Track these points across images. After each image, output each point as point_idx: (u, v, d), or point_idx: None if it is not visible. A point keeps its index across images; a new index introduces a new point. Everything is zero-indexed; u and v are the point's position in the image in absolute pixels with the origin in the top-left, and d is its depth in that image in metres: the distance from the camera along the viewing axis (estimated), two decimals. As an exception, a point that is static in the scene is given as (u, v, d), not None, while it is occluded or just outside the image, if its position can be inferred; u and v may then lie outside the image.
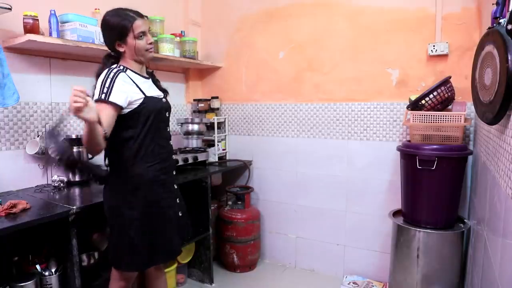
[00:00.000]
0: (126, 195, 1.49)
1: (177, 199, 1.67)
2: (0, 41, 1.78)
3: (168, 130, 1.64)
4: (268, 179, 2.88)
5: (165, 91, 1.66)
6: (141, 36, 1.47)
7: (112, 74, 1.42)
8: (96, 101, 1.37)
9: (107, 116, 1.36)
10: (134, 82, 1.48)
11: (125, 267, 1.56)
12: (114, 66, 1.49)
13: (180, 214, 1.67)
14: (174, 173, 1.68)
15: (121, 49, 1.49)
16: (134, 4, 2.51)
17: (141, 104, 1.46)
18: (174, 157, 2.29)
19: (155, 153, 1.52)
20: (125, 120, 1.45)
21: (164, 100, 1.61)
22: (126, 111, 1.45)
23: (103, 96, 1.37)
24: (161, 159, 1.54)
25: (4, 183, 1.86)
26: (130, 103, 1.44)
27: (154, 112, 1.49)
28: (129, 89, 1.44)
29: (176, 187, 1.68)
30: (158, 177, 1.53)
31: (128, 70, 1.50)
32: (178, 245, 1.66)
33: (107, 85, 1.39)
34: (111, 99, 1.38)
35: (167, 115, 1.62)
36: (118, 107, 1.40)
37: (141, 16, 1.50)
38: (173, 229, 1.60)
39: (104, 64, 1.52)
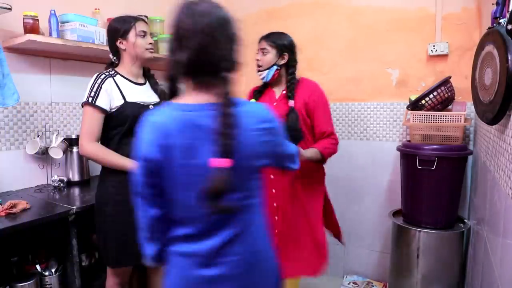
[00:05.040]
0: (105, 192, 1.55)
1: None
2: (0, 41, 1.78)
3: None
4: (268, 179, 2.88)
5: (162, 93, 1.71)
6: (142, 36, 1.57)
7: (100, 79, 1.52)
8: (84, 103, 1.50)
9: (97, 119, 1.49)
10: (119, 87, 1.54)
11: (106, 262, 1.61)
12: (104, 70, 1.57)
13: None
14: None
15: (122, 47, 1.56)
16: (135, 4, 2.52)
17: (119, 108, 1.53)
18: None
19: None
20: (106, 121, 1.53)
21: (151, 107, 1.62)
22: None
23: (90, 99, 1.48)
24: None
25: (4, 183, 1.86)
26: (111, 108, 1.52)
27: (130, 117, 1.52)
28: (113, 94, 1.52)
29: None
30: None
31: (118, 75, 1.57)
32: None
33: (94, 89, 1.50)
34: (97, 103, 1.48)
35: None
36: (103, 110, 1.50)
37: (144, 20, 1.62)
38: None
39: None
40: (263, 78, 1.78)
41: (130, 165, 1.49)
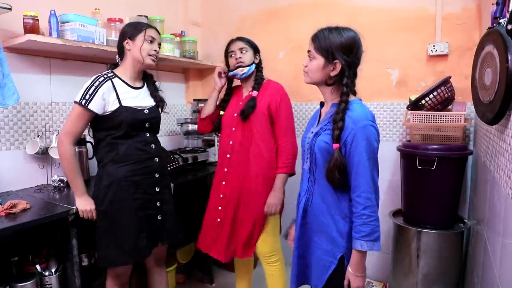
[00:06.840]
0: (100, 191, 1.56)
1: (158, 203, 1.64)
2: (0, 41, 1.78)
3: (149, 135, 1.65)
4: (268, 179, 2.87)
5: (160, 101, 1.72)
6: (150, 41, 1.59)
7: (97, 82, 1.52)
8: (76, 102, 1.49)
9: (84, 119, 1.51)
10: (116, 91, 1.54)
11: (99, 262, 1.60)
12: (104, 72, 1.58)
13: (160, 218, 1.65)
14: (157, 175, 1.64)
15: (128, 47, 1.58)
16: (135, 4, 2.52)
17: (114, 112, 1.53)
18: (174, 157, 2.30)
19: (128, 155, 1.56)
20: (99, 122, 1.55)
21: (146, 111, 1.62)
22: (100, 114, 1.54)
23: (83, 102, 1.48)
24: (135, 161, 1.56)
25: (4, 183, 1.86)
26: (105, 111, 1.53)
27: (125, 122, 1.54)
28: (109, 97, 1.52)
29: (158, 190, 1.65)
30: (128, 177, 1.54)
31: (116, 78, 1.57)
32: (144, 248, 1.60)
33: (90, 92, 1.50)
34: (89, 106, 1.48)
35: (147, 125, 1.62)
36: (93, 113, 1.51)
37: (157, 30, 1.65)
38: (140, 231, 1.57)
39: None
40: (243, 75, 1.88)
41: (78, 191, 1.53)
